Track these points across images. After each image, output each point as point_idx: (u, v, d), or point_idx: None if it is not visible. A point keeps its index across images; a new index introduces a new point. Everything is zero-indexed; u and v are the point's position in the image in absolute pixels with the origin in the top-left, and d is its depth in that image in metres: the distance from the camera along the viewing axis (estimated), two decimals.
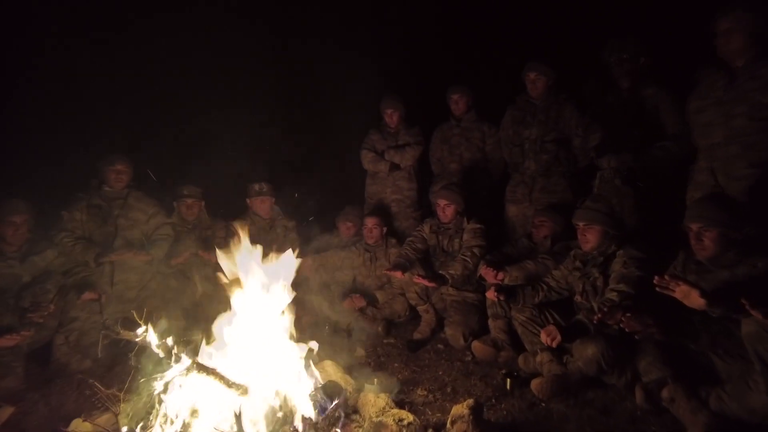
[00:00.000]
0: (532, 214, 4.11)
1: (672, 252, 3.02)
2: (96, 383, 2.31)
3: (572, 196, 4.22)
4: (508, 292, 3.41)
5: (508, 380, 3.05)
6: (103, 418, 2.48)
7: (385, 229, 4.58)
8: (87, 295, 3.49)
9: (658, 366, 2.61)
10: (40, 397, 3.07)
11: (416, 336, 4.02)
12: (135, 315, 2.18)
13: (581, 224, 3.22)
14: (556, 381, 2.90)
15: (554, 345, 2.95)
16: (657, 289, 2.33)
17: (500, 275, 3.61)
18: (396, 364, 3.54)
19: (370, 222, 4.51)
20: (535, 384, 2.92)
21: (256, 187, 4.63)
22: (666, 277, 2.30)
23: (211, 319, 2.52)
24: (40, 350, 3.51)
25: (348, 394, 2.74)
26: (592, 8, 5.02)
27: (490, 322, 3.68)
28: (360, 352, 3.77)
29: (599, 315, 2.63)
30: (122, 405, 2.18)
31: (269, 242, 4.65)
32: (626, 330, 2.48)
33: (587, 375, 2.86)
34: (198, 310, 4.09)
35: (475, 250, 3.96)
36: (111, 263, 3.86)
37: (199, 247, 4.28)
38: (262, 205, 4.64)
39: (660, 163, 3.63)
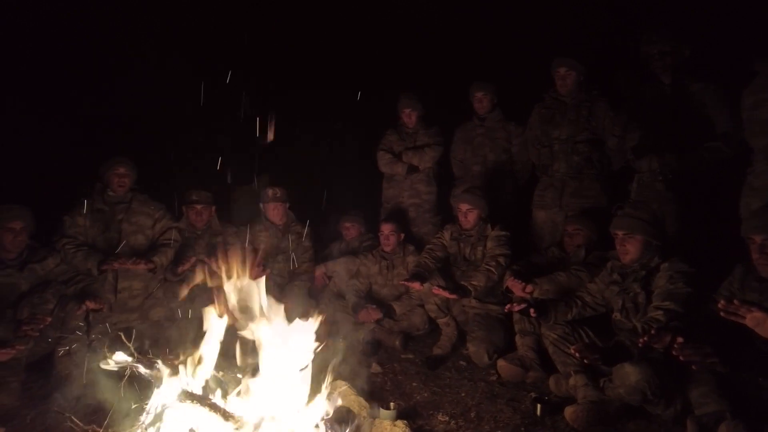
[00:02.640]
0: (563, 221, 3.81)
1: (718, 265, 2.72)
2: (72, 418, 2.08)
3: (606, 200, 3.91)
4: (537, 306, 3.11)
5: (539, 405, 2.77)
6: None
7: (402, 235, 4.32)
8: (89, 305, 3.29)
9: (714, 398, 2.29)
10: (36, 415, 2.88)
11: (436, 351, 3.74)
12: (123, 337, 1.96)
13: (620, 233, 2.91)
14: (593, 409, 2.61)
15: (586, 362, 2.65)
16: (722, 314, 2.02)
17: (529, 288, 3.32)
18: (414, 384, 3.27)
19: (386, 228, 4.26)
20: (569, 412, 2.63)
21: (270, 192, 4.42)
22: (735, 301, 1.98)
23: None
24: (43, 361, 3.34)
25: (361, 420, 2.49)
26: None
27: (517, 338, 3.39)
28: (376, 368, 3.52)
29: (645, 338, 2.32)
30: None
31: (282, 250, 4.47)
32: (681, 359, 2.16)
33: (629, 404, 2.56)
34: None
35: (500, 260, 3.67)
36: (114, 271, 3.67)
37: (207, 254, 4.06)
38: (276, 211, 4.43)
39: (707, 165, 3.31)
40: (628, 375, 2.48)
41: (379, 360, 3.65)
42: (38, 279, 3.36)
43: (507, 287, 3.49)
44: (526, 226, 4.32)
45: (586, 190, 3.93)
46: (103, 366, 2.07)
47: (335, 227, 4.92)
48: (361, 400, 2.72)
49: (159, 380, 1.93)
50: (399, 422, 2.46)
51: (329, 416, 2.21)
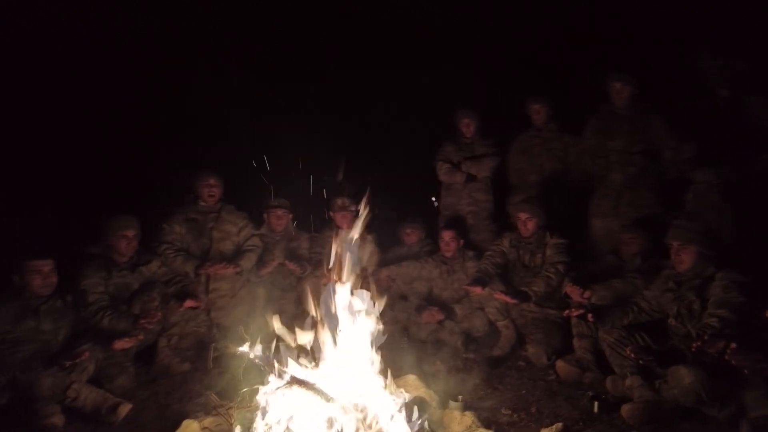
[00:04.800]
0: (620, 230, 3.97)
1: None
2: (212, 394, 2.50)
3: (662, 210, 4.04)
4: (594, 311, 3.32)
5: (596, 403, 2.97)
6: (208, 420, 2.70)
7: (462, 241, 4.58)
8: (189, 303, 3.77)
9: (767, 402, 2.44)
10: (150, 395, 3.37)
11: (496, 352, 3.99)
12: (242, 331, 2.35)
13: (675, 244, 3.08)
14: (649, 408, 2.80)
15: (641, 362, 2.84)
16: None
17: (587, 294, 3.52)
18: (476, 381, 3.53)
19: (446, 235, 4.53)
20: (625, 409, 2.82)
21: (339, 201, 4.79)
22: None
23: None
24: (144, 351, 3.84)
25: (433, 409, 2.79)
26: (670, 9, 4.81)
27: (575, 341, 3.59)
28: (439, 366, 3.80)
29: (698, 343, 2.50)
30: (235, 411, 2.36)
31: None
32: (732, 363, 2.34)
33: (683, 405, 2.73)
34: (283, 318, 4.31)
35: (559, 267, 3.88)
36: (207, 273, 4.15)
37: (286, 258, 4.49)
38: (344, 218, 4.79)
39: (764, 176, 3.40)
40: (683, 377, 2.67)
41: (441, 358, 3.94)
42: (145, 280, 3.87)
43: (566, 293, 3.69)
44: (582, 235, 4.49)
45: (642, 199, 4.07)
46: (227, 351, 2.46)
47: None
48: (431, 392, 3.03)
49: (272, 367, 2.31)
50: (467, 413, 2.74)
51: (407, 402, 2.52)
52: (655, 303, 3.22)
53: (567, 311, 3.37)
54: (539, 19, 5.72)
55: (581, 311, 3.26)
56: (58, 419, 2.81)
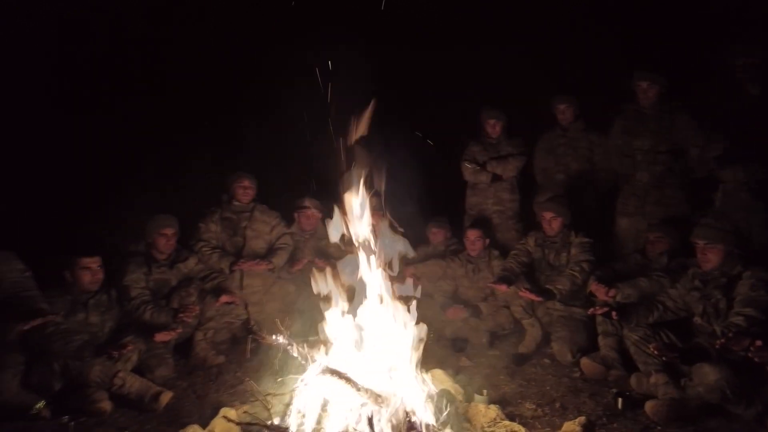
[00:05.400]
0: (646, 229, 3.97)
1: None
2: (252, 382, 2.65)
3: (689, 209, 4.03)
4: (619, 310, 3.35)
5: (620, 399, 3.01)
6: (244, 408, 2.85)
7: (487, 241, 4.64)
8: (224, 298, 3.95)
9: None
10: (188, 385, 3.55)
11: (521, 349, 4.05)
12: (279, 323, 2.50)
13: (702, 243, 3.09)
14: (674, 405, 2.82)
15: (665, 359, 2.87)
16: None
17: (612, 292, 3.54)
18: (502, 377, 3.61)
19: (472, 234, 4.60)
20: (650, 406, 2.86)
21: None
22: None
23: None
24: (181, 344, 4.02)
25: (459, 402, 2.88)
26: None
27: (600, 339, 3.63)
28: (465, 362, 3.89)
29: (723, 340, 2.53)
30: (271, 399, 2.50)
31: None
32: (756, 361, 2.36)
33: (708, 402, 2.75)
34: (314, 313, 4.47)
35: (584, 265, 3.92)
36: (241, 270, 4.33)
37: (315, 256, 4.64)
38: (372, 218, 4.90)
39: None
40: (707, 374, 2.69)
41: (467, 355, 4.03)
42: (183, 276, 4.07)
43: (591, 291, 3.73)
44: (608, 233, 4.50)
45: (669, 198, 4.07)
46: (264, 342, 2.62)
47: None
48: (456, 386, 3.12)
49: (306, 358, 2.44)
50: (492, 406, 2.82)
51: (434, 394, 2.62)
52: (681, 301, 3.23)
53: (592, 309, 3.41)
54: (564, 16, 5.73)
55: (606, 309, 3.30)
56: (107, 405, 3.02)
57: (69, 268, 3.40)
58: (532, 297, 3.86)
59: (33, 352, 3.09)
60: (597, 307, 3.37)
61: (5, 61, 4.91)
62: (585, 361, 3.54)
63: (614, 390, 3.13)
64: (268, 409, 2.43)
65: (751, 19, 4.38)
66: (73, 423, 2.76)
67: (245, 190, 4.48)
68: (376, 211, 4.85)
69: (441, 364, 3.42)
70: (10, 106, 4.80)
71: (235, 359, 3.98)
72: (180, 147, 5.55)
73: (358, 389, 2.28)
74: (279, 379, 2.60)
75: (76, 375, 3.07)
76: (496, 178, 4.97)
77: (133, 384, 3.17)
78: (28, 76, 5.17)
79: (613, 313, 3.24)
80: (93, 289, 3.46)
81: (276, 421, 2.44)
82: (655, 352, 2.80)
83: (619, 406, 2.99)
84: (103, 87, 5.71)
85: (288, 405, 2.45)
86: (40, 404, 2.91)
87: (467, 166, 5.01)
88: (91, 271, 3.41)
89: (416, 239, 5.24)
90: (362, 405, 2.31)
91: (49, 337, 3.07)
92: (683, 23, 4.92)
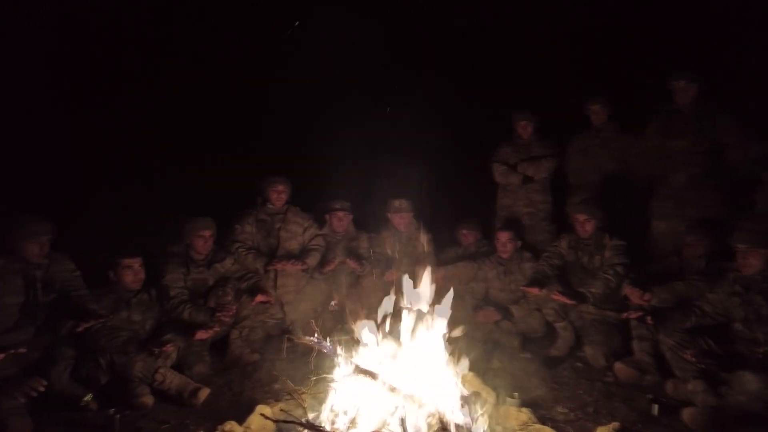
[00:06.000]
0: (683, 231, 3.89)
1: None
2: (287, 380, 2.73)
3: (727, 210, 3.93)
4: (654, 314, 3.30)
5: (656, 406, 2.97)
6: (279, 406, 2.93)
7: (519, 243, 4.62)
8: (260, 297, 4.05)
9: None
10: (225, 383, 3.66)
11: (553, 353, 4.02)
12: (313, 324, 2.56)
13: (742, 247, 3.01)
14: (712, 413, 2.77)
15: (703, 366, 2.81)
16: None
17: (647, 296, 3.49)
18: (533, 380, 3.59)
19: (503, 236, 4.58)
20: (687, 414, 2.81)
21: (396, 203, 4.95)
22: None
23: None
24: (217, 342, 4.12)
25: (490, 405, 2.89)
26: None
27: (634, 343, 3.57)
28: (496, 364, 3.88)
29: (765, 348, 2.47)
30: (305, 397, 2.57)
31: (407, 254, 4.99)
32: None
33: (749, 411, 2.69)
34: (344, 312, 4.54)
35: (618, 269, 3.86)
36: (275, 270, 4.43)
37: (346, 256, 4.72)
38: (401, 220, 4.95)
39: None
40: (749, 382, 2.63)
41: (498, 358, 4.01)
42: (219, 276, 4.20)
43: (625, 295, 3.67)
44: (642, 236, 4.42)
45: (706, 200, 3.97)
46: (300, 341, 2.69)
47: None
48: (488, 388, 3.13)
49: (341, 357, 2.50)
50: (524, 409, 2.82)
51: (466, 397, 2.64)
52: (721, 307, 3.16)
53: (626, 313, 3.36)
54: (599, 15, 5.65)
55: (641, 314, 3.25)
56: (149, 399, 3.14)
57: (113, 268, 3.56)
58: (566, 300, 3.82)
59: (81, 347, 3.26)
60: (631, 311, 3.32)
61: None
62: (619, 366, 3.49)
63: (649, 396, 3.08)
64: (303, 408, 2.49)
65: None
66: (118, 416, 2.88)
67: (279, 194, 4.58)
68: (404, 212, 4.94)
69: (471, 367, 3.41)
70: (33, 107, 5.01)
71: (269, 357, 4.07)
72: (211, 149, 5.73)
73: (392, 390, 2.32)
74: (313, 378, 2.65)
75: (121, 370, 3.22)
76: (527, 179, 4.94)
77: (173, 380, 3.28)
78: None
79: (648, 318, 3.19)
80: (135, 288, 3.61)
81: (310, 417, 2.50)
82: (693, 359, 2.74)
83: (655, 412, 2.94)
84: (134, 88, 5.92)
85: (322, 403, 2.51)
86: (88, 397, 3.07)
87: (498, 168, 5.00)
88: (132, 270, 3.56)
89: (447, 241, 5.29)
90: (395, 406, 2.35)
91: (96, 334, 3.23)
92: (724, 21, 4.79)
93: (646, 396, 3.14)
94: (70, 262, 3.45)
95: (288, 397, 2.91)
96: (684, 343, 3.13)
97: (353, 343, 2.77)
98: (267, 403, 2.98)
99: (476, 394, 2.76)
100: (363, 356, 2.57)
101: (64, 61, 5.54)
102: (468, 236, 5.11)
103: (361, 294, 4.53)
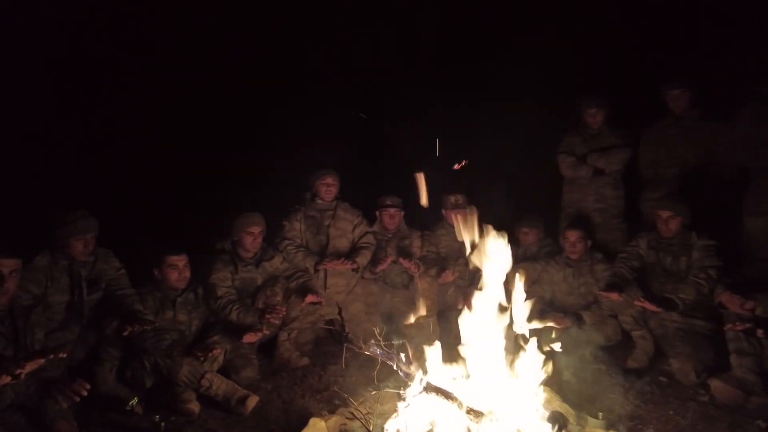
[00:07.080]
0: None
1: None
2: (347, 396, 2.47)
3: None
4: (762, 325, 2.84)
5: None
6: (333, 420, 2.67)
7: (589, 242, 4.21)
8: (310, 298, 3.82)
9: None
10: (273, 389, 3.44)
11: (631, 364, 3.61)
12: (377, 332, 2.29)
13: None
14: None
15: None
16: None
17: (749, 304, 3.03)
18: (612, 396, 3.20)
19: (572, 235, 4.17)
20: None
21: (452, 199, 4.64)
22: None
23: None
24: (264, 345, 3.92)
25: (571, 425, 2.54)
26: None
27: (732, 358, 3.12)
28: (566, 376, 3.50)
29: None
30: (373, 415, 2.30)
31: (462, 253, 4.66)
32: None
33: None
34: (396, 315, 4.27)
35: (711, 272, 3.41)
36: (325, 269, 4.20)
37: (398, 255, 4.43)
38: (456, 217, 4.62)
39: None
40: None
41: (569, 369, 3.63)
42: (268, 275, 4.00)
43: (720, 302, 3.22)
44: (731, 235, 3.93)
45: None
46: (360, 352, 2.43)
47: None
48: (567, 406, 2.77)
49: (409, 372, 2.22)
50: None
51: (546, 417, 2.31)
52: None
53: (730, 325, 2.92)
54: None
55: (748, 325, 2.80)
56: (195, 405, 2.97)
57: (157, 266, 3.41)
58: (651, 308, 3.40)
59: (126, 348, 3.13)
60: (737, 323, 2.88)
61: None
62: (717, 384, 3.05)
63: (761, 423, 2.65)
64: (368, 429, 2.22)
65: None
66: (164, 423, 2.71)
67: (328, 187, 4.35)
68: (459, 207, 4.60)
69: (546, 379, 3.08)
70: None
71: (319, 362, 3.85)
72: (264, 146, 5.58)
73: (468, 412, 2.01)
74: (374, 392, 2.38)
75: (166, 373, 3.05)
76: (597, 172, 4.51)
77: (220, 386, 3.09)
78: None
79: (759, 331, 2.74)
80: (180, 287, 3.46)
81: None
82: None
83: None
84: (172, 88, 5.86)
85: (385, 419, 2.23)
86: (134, 400, 2.95)
87: (565, 159, 4.59)
88: (178, 269, 3.40)
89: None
90: (469, 428, 2.04)
91: (142, 335, 3.06)
92: None
93: (755, 422, 2.71)
94: (115, 259, 3.33)
95: (342, 406, 2.66)
96: None
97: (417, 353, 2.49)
98: (321, 416, 2.74)
99: (557, 414, 2.42)
100: (433, 372, 2.27)
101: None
102: (529, 235, 4.73)
103: (415, 296, 4.23)
